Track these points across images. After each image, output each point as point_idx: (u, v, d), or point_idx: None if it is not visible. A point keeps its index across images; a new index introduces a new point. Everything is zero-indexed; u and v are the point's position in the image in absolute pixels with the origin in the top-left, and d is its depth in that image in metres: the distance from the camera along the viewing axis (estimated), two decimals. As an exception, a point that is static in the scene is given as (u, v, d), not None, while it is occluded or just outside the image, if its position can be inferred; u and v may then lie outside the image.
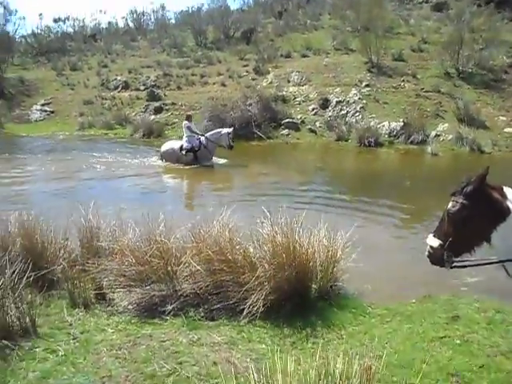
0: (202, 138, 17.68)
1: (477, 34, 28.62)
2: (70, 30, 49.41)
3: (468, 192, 4.07)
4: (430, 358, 5.35)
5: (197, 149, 17.51)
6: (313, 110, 24.76)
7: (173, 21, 48.99)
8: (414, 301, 7.02)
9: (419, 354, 5.43)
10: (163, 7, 48.91)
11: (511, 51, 28.22)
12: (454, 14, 33.60)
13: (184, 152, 17.50)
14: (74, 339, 5.66)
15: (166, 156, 17.96)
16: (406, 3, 40.38)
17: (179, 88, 29.36)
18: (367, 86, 25.76)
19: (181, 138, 18.61)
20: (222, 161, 17.88)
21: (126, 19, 51.33)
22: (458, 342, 5.77)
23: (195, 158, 17.54)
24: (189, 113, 19.88)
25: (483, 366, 5.24)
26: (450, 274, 6.16)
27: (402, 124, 21.97)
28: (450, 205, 4.17)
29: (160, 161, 18.18)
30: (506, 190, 4.11)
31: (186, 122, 18.00)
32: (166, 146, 18.28)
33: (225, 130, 17.98)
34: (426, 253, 4.28)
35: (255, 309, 5.97)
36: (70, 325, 6.02)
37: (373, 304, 6.83)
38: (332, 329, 6.07)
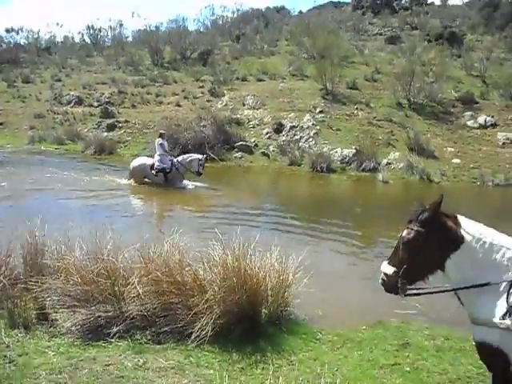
0: (174, 160, 17.43)
1: (427, 67, 29.53)
2: (24, 41, 48.73)
3: (423, 219, 4.09)
4: (381, 386, 5.37)
5: (168, 170, 17.23)
6: (267, 133, 24.85)
7: (130, 38, 48.79)
8: (364, 327, 7.03)
9: (370, 382, 5.45)
10: (121, 24, 48.56)
11: (459, 86, 29.19)
12: (406, 47, 34.74)
13: (155, 172, 17.17)
14: (10, 362, 5.39)
15: (136, 172, 17.53)
16: (361, 34, 41.45)
17: (134, 106, 29.07)
18: (321, 112, 26.07)
19: (149, 156, 18.58)
20: (191, 186, 17.56)
21: (83, 34, 50.90)
22: (408, 369, 5.81)
23: (165, 179, 17.26)
24: (162, 130, 19.46)
25: (432, 393, 5.29)
26: (401, 300, 6.22)
27: (355, 151, 22.26)
28: (405, 232, 4.18)
29: (125, 179, 17.75)
30: (460, 218, 4.14)
31: (160, 139, 17.75)
32: (137, 161, 17.85)
33: (196, 156, 17.74)
34: (380, 280, 4.27)
35: (204, 332, 5.84)
36: (8, 346, 5.75)
37: (323, 330, 6.80)
38: (282, 355, 6.01)
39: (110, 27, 48.91)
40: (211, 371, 5.41)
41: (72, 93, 31.68)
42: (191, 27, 48.08)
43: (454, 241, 4.03)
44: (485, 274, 3.98)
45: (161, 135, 18.07)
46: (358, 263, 10.37)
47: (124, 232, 8.25)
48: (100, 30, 49.55)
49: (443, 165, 22.10)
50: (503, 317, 3.83)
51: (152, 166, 17.24)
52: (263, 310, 6.64)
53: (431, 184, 20.24)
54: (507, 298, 3.87)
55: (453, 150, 23.45)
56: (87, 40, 49.88)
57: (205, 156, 18.24)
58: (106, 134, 25.85)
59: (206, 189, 17.37)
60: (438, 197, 4.13)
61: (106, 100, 29.88)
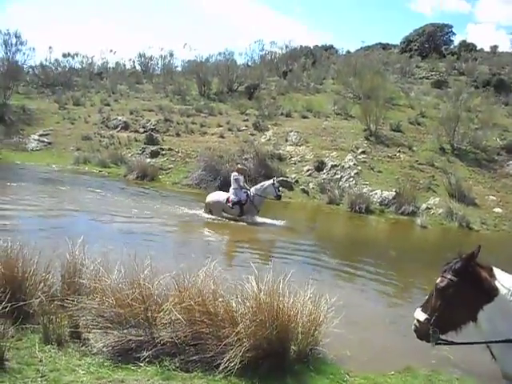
0: (250, 192, 17.43)
1: (473, 113, 29.30)
2: (78, 65, 49.96)
3: (457, 268, 4.11)
4: None
5: (243, 202, 17.28)
6: (307, 170, 24.95)
7: (179, 68, 49.73)
8: (393, 372, 6.93)
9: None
10: (171, 54, 49.42)
11: (504, 134, 28.84)
12: (452, 92, 34.61)
13: (231, 204, 17.20)
14: (42, 377, 5.46)
15: (213, 207, 17.52)
16: (408, 77, 41.42)
17: (178, 135, 29.50)
18: (363, 152, 26.09)
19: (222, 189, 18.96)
20: (278, 222, 17.33)
21: (134, 61, 52.22)
22: (435, 418, 5.73)
23: (241, 211, 17.25)
24: (240, 166, 19.48)
25: None
26: (432, 349, 6.17)
27: (394, 194, 22.13)
28: (439, 280, 4.20)
29: (205, 213, 17.72)
30: (496, 270, 4.14)
31: (236, 173, 17.83)
32: (213, 196, 17.82)
33: (268, 182, 17.75)
34: (413, 326, 4.29)
35: (232, 364, 5.84)
36: (41, 361, 5.83)
37: (351, 372, 6.72)
38: (308, 394, 5.98)
39: (161, 56, 50.02)
40: (238, 403, 5.44)
41: (119, 117, 32.33)
42: (240, 61, 48.69)
43: (488, 292, 4.03)
44: (518, 329, 3.97)
45: (238, 170, 18.15)
46: (389, 307, 10.24)
47: (162, 259, 8.37)
48: (151, 59, 50.78)
49: (484, 213, 21.79)
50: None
51: (227, 200, 17.29)
52: (292, 347, 6.59)
53: (470, 232, 19.94)
54: None
55: (495, 198, 23.13)
56: (138, 67, 51.11)
57: (275, 178, 18.19)
58: (149, 160, 26.26)
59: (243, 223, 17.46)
60: (475, 247, 4.16)
61: (152, 127, 30.39)
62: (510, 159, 26.49)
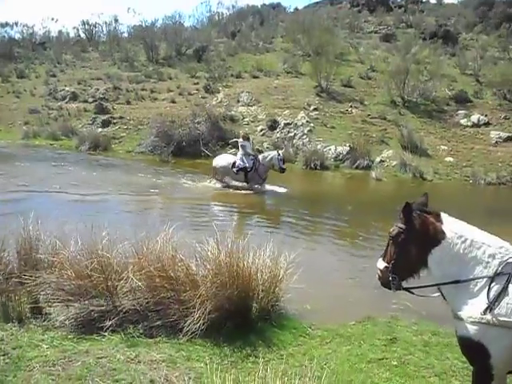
0: (257, 159, 17.02)
1: (422, 65, 29.56)
2: (18, 36, 48.30)
3: (405, 216, 4.24)
4: (368, 379, 5.51)
5: (249, 169, 16.89)
6: (261, 130, 24.93)
7: (125, 34, 48.52)
8: (353, 322, 7.14)
9: (357, 376, 5.55)
10: (116, 20, 48.08)
11: (453, 85, 29.25)
12: (401, 45, 34.80)
13: (235, 170, 16.89)
14: (4, 355, 5.48)
15: (218, 171, 17.32)
16: (357, 32, 41.39)
17: (128, 102, 28.97)
18: (315, 109, 26.16)
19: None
20: (281, 189, 17.22)
21: (78, 29, 50.51)
22: (395, 363, 5.94)
23: (245, 178, 16.93)
24: (244, 133, 19.24)
25: (419, 387, 5.38)
26: (390, 297, 6.34)
27: (348, 149, 22.36)
28: (391, 229, 4.35)
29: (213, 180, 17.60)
30: (443, 215, 4.29)
31: (241, 140, 17.53)
32: (219, 161, 17.61)
33: (273, 153, 17.33)
34: (376, 275, 4.45)
35: (195, 327, 5.94)
36: (1, 340, 5.83)
37: (313, 325, 6.90)
38: (272, 349, 6.11)
39: (105, 23, 48.63)
40: (202, 364, 5.50)
41: (67, 88, 31.56)
42: (187, 23, 47.84)
43: (435, 237, 4.18)
44: (465, 270, 4.11)
45: (243, 137, 17.83)
46: (349, 260, 10.46)
47: (121, 229, 8.30)
48: (95, 26, 49.16)
49: (436, 163, 22.24)
50: (484, 312, 3.95)
51: (233, 164, 16.97)
52: (254, 305, 6.71)
53: (424, 182, 20.35)
54: (488, 294, 3.99)
55: (446, 148, 23.57)
56: (82, 35, 49.56)
57: (282, 150, 17.90)
58: (100, 129, 25.82)
59: (191, 185, 17.43)
60: (422, 195, 4.30)
61: (101, 96, 29.76)
62: (459, 109, 26.89)
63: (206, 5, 56.41)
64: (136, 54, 38.25)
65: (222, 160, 17.49)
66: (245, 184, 16.94)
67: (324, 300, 7.79)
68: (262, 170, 17.01)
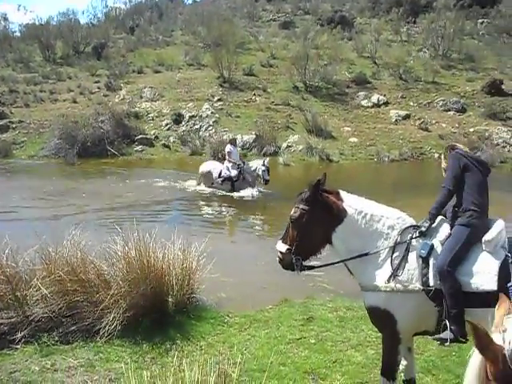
0: (243, 167, 16.00)
1: (321, 50, 30.23)
2: None
3: (306, 198, 4.36)
4: (288, 360, 5.63)
5: (235, 179, 15.91)
6: (166, 125, 24.74)
7: (18, 34, 46.34)
8: (270, 306, 7.28)
9: (277, 357, 5.65)
10: (5, 18, 45.57)
11: (352, 68, 30.16)
12: (300, 31, 35.44)
13: (220, 180, 15.97)
14: None
15: (203, 177, 16.43)
16: (256, 21, 41.76)
17: (27, 105, 27.77)
18: (219, 100, 26.26)
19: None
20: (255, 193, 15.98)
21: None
22: (313, 341, 6.13)
23: (232, 188, 15.94)
24: (232, 137, 18.54)
25: (336, 360, 5.63)
26: (305, 278, 6.49)
27: (255, 136, 22.61)
28: (293, 211, 4.45)
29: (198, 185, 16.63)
30: (342, 193, 4.45)
31: (228, 145, 16.54)
32: (205, 167, 16.55)
33: (256, 164, 16.16)
34: (277, 258, 4.54)
35: (112, 327, 5.88)
36: None
37: (231, 313, 6.99)
38: (191, 341, 6.14)
39: (-6, 22, 46.14)
40: (121, 364, 5.39)
41: (-44, 94, 29.89)
42: (82, 20, 46.38)
43: (338, 215, 4.34)
44: (368, 244, 4.31)
45: (230, 141, 16.93)
46: (261, 247, 10.53)
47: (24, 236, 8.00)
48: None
49: (341, 144, 22.91)
50: (388, 280, 4.15)
51: (220, 174, 16.03)
52: (170, 300, 6.70)
53: (331, 164, 20.90)
54: (391, 263, 4.20)
55: (349, 129, 24.29)
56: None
57: (266, 159, 16.49)
58: (-2, 135, 24.67)
59: (100, 186, 17.03)
60: (320, 175, 4.42)
61: (-4, 100, 28.47)
62: (359, 90, 27.82)
63: (102, 0, 54.98)
64: (31, 54, 36.70)
65: (205, 166, 16.63)
66: (234, 193, 16.00)
67: (240, 287, 7.89)
68: (250, 179, 16.05)
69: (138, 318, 6.27)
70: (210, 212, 14.19)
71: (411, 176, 19.36)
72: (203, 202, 15.31)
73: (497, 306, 2.33)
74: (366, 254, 4.29)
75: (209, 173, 16.25)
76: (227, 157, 16.24)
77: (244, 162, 16.33)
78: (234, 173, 15.94)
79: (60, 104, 27.67)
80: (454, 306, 4.02)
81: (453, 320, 4.04)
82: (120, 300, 6.08)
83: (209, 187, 16.29)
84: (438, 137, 23.69)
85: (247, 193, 15.73)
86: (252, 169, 15.93)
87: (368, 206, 4.41)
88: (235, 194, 15.72)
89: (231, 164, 16.02)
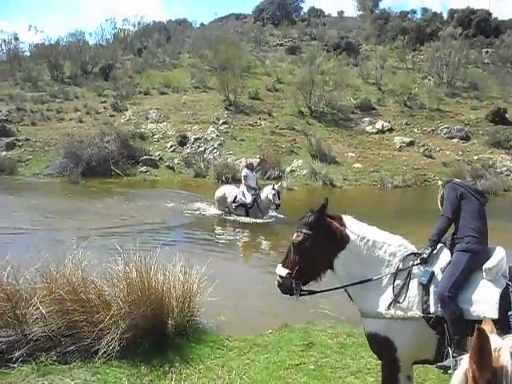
0: (259, 193, 15.59)
1: (327, 76, 30.42)
2: None
3: (309, 222, 4.37)
4: (286, 386, 5.55)
5: (250, 206, 15.55)
6: (171, 146, 24.85)
7: (27, 53, 46.67)
8: (270, 331, 7.22)
9: (276, 383, 5.62)
10: (16, 37, 45.87)
11: (357, 94, 30.38)
12: (306, 57, 35.70)
13: (234, 206, 15.66)
14: None
15: (217, 201, 16.04)
16: (262, 45, 42.14)
17: (34, 123, 27.91)
18: (224, 123, 26.40)
19: None
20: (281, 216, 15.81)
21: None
22: (313, 367, 6.07)
23: (246, 214, 15.59)
24: (249, 161, 18.25)
25: (336, 387, 5.53)
26: (306, 304, 6.46)
27: (259, 160, 22.61)
28: (295, 235, 4.45)
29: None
30: (345, 218, 4.46)
31: (245, 169, 16.22)
32: (221, 191, 16.13)
33: (266, 191, 15.51)
34: (276, 282, 4.52)
35: (111, 348, 5.82)
36: None
37: (230, 337, 6.93)
38: (190, 364, 6.08)
39: (4, 41, 46.56)
40: (119, 386, 5.42)
41: (-35, 111, 30.08)
42: (91, 41, 46.71)
43: (340, 240, 4.34)
44: (369, 270, 4.32)
45: (247, 166, 16.54)
46: (263, 271, 10.47)
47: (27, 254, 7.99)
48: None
49: (345, 170, 22.95)
50: (388, 307, 4.15)
51: (234, 199, 15.68)
52: (170, 322, 6.66)
53: (334, 189, 20.91)
54: (392, 290, 4.20)
55: (353, 155, 24.35)
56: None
57: (275, 185, 15.85)
58: (4, 153, 24.72)
59: (104, 207, 17.02)
60: (324, 200, 4.43)
61: (3, 118, 28.50)
62: (364, 116, 27.98)
63: (111, 22, 55.49)
64: (39, 74, 37.01)
65: (221, 191, 16.21)
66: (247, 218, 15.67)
67: (240, 311, 7.86)
68: (264, 206, 15.62)
69: (137, 340, 6.22)
70: (213, 235, 14.17)
71: (414, 203, 19.35)
72: (206, 225, 15.27)
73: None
74: (369, 280, 4.29)
75: (223, 197, 15.91)
76: (243, 181, 15.87)
77: (260, 188, 15.98)
78: (249, 199, 15.59)
79: (66, 123, 27.81)
80: (457, 332, 4.02)
81: (455, 347, 4.03)
82: (120, 321, 6.04)
83: (222, 211, 15.99)
84: (442, 164, 23.80)
85: (263, 219, 15.47)
86: (263, 196, 15.50)
87: (370, 232, 4.43)
88: (246, 219, 15.46)
89: (247, 189, 15.66)
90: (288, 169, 22.61)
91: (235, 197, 15.67)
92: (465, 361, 2.12)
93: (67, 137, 24.30)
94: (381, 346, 4.29)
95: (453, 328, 4.03)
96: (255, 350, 6.56)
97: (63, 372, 5.71)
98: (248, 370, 5.99)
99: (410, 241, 4.56)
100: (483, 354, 2.01)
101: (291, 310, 7.35)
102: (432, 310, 4.14)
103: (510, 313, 3.93)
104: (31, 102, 30.66)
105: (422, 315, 4.14)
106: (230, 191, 15.99)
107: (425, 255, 4.31)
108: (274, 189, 15.31)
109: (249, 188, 15.70)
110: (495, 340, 2.09)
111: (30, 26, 53.15)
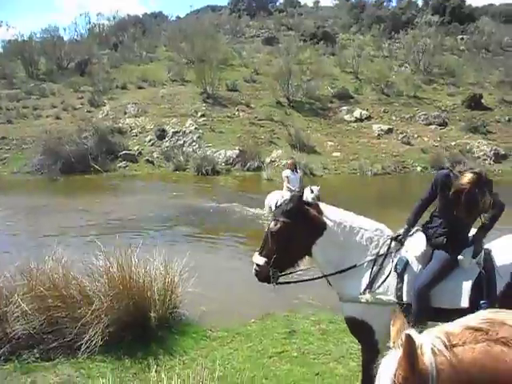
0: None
1: (304, 66, 30.46)
2: None
3: (287, 210, 4.38)
4: (270, 373, 5.64)
5: None
6: (150, 140, 24.74)
7: (0, 50, 46.08)
8: (253, 320, 7.28)
9: (260, 371, 5.67)
10: None
11: (334, 83, 30.43)
12: (283, 47, 35.60)
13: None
14: None
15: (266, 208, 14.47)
16: (239, 37, 42.01)
17: (10, 121, 27.53)
18: (203, 115, 26.32)
19: None
20: None
21: None
22: (296, 354, 6.14)
23: None
24: (290, 160, 15.92)
25: (318, 373, 5.64)
26: (289, 293, 6.50)
27: (238, 152, 22.67)
28: (272, 224, 4.46)
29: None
30: (323, 206, 4.48)
31: (287, 170, 14.67)
32: (269, 198, 14.20)
33: (307, 193, 13.46)
34: (253, 271, 4.54)
35: (94, 343, 5.83)
36: None
37: (213, 327, 6.97)
38: (174, 355, 6.12)
39: (-24, 38, 45.74)
40: (103, 380, 5.34)
41: None
42: (66, 36, 46.13)
43: (318, 227, 4.36)
44: (347, 256, 4.35)
45: (289, 166, 14.96)
46: (244, 260, 10.43)
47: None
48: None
49: (324, 159, 23.04)
50: (363, 292, 4.19)
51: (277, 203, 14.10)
52: (152, 315, 6.62)
53: (314, 178, 20.88)
54: (370, 275, 4.25)
55: (333, 143, 24.45)
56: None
57: (315, 187, 14.12)
58: (-20, 152, 24.50)
59: (89, 201, 16.91)
60: (302, 189, 4.47)
61: (-22, 117, 28.24)
62: (342, 105, 28.06)
63: (85, 16, 54.85)
64: (13, 71, 36.47)
65: (269, 198, 14.39)
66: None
67: (223, 302, 7.84)
68: None
69: (120, 334, 6.23)
70: (194, 227, 14.14)
71: (394, 189, 19.53)
72: (188, 218, 15.25)
73: (392, 322, 2.40)
74: (349, 269, 4.32)
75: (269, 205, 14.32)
76: (285, 183, 14.48)
77: (301, 189, 13.78)
78: None
79: (43, 120, 27.48)
80: (422, 320, 4.04)
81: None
82: (102, 315, 6.05)
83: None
84: (421, 150, 24.00)
85: None
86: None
87: (347, 217, 4.45)
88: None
89: (289, 191, 13.76)
90: (267, 159, 22.64)
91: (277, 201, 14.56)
92: (389, 363, 2.17)
93: (45, 134, 24.01)
94: (359, 330, 4.35)
95: (419, 315, 4.04)
96: (238, 340, 6.62)
97: (46, 369, 5.73)
98: (231, 359, 6.04)
99: (390, 226, 4.60)
100: (412, 359, 2.06)
101: (274, 299, 7.35)
102: (405, 298, 4.19)
103: (481, 302, 3.97)
104: (6, 100, 30.22)
105: (396, 301, 4.19)
106: (273, 197, 13.94)
107: (401, 236, 4.37)
108: (312, 192, 13.67)
109: (290, 191, 13.87)
110: (416, 336, 2.14)
111: (1, 21, 52.29)
